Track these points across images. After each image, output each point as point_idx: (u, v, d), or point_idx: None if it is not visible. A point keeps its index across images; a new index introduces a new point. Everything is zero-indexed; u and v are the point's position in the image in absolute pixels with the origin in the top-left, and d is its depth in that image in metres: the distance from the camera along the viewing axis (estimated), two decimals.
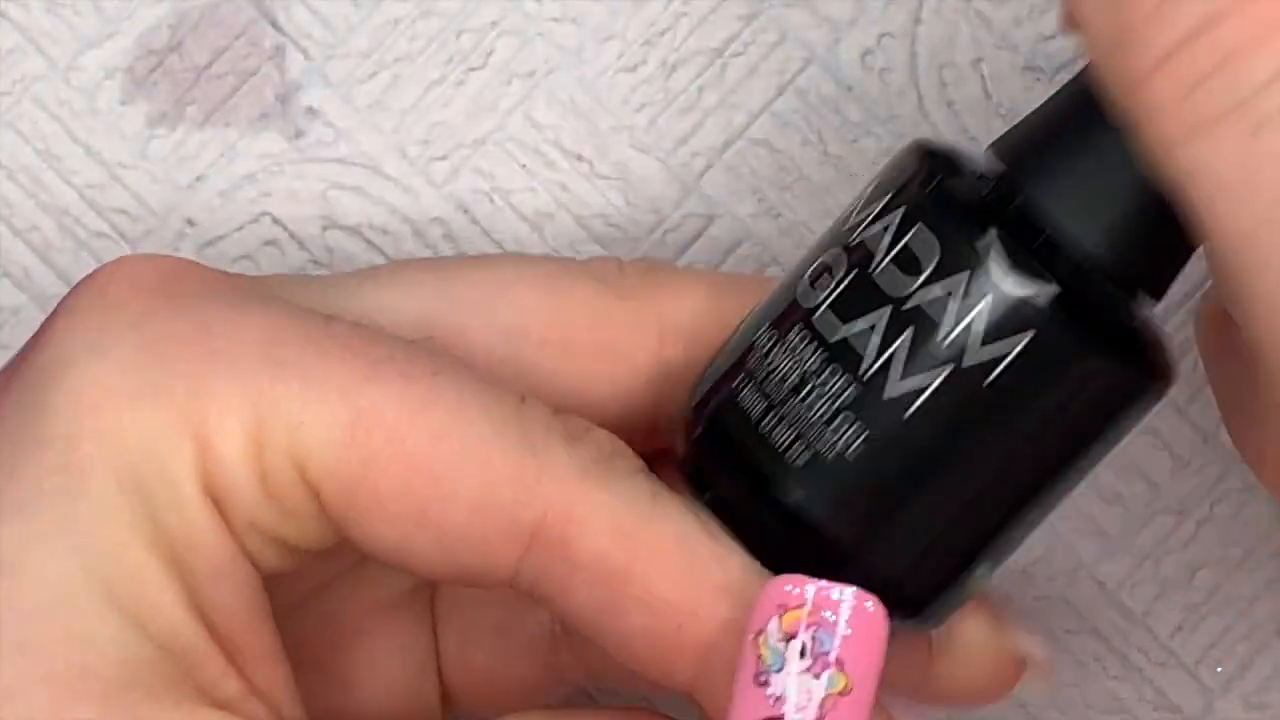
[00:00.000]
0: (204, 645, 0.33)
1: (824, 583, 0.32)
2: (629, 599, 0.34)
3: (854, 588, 0.32)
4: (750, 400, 0.35)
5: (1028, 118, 0.35)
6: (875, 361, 0.34)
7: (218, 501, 0.33)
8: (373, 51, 0.45)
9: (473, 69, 0.45)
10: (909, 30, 0.45)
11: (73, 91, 0.45)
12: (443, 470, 0.34)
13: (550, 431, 0.34)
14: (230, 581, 0.34)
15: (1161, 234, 0.33)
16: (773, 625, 0.32)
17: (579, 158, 0.44)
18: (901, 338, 0.33)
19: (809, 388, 0.34)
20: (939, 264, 0.33)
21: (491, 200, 0.44)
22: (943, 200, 0.34)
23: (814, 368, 0.34)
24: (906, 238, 0.33)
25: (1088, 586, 0.45)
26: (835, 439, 0.34)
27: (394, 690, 0.38)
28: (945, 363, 0.33)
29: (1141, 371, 0.34)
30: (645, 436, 0.38)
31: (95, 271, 0.35)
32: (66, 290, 0.37)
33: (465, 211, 0.44)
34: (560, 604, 0.34)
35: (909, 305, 0.33)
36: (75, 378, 0.33)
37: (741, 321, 0.37)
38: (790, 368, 0.34)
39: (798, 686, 0.32)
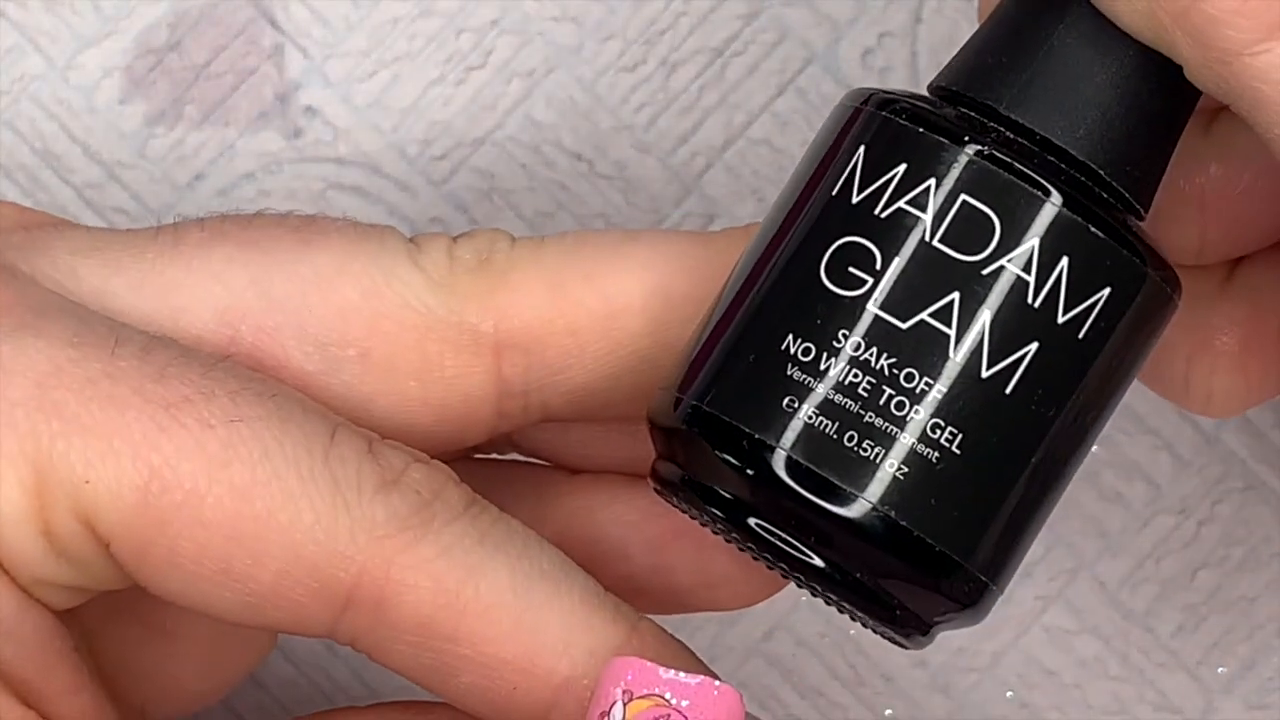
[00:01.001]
0: (5, 704, 0.31)
1: (680, 676, 0.31)
2: (458, 659, 0.32)
3: (704, 677, 0.31)
4: (814, 420, 0.33)
5: (978, 43, 0.34)
6: (961, 345, 0.32)
7: (6, 567, 0.31)
8: (372, 50, 0.45)
9: (472, 68, 0.45)
10: (909, 30, 0.46)
11: (71, 90, 0.45)
12: (247, 531, 0.31)
13: (363, 479, 0.32)
14: (18, 635, 0.32)
15: (1150, 138, 0.33)
16: (617, 712, 0.31)
17: (579, 158, 0.44)
18: (983, 311, 0.32)
19: (889, 393, 0.32)
20: (1005, 230, 0.32)
21: (491, 200, 0.44)
22: (980, 168, 0.32)
23: (890, 371, 0.33)
24: (956, 206, 0.32)
25: (1089, 586, 0.45)
26: (935, 440, 0.32)
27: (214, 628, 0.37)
28: (1035, 330, 0.32)
29: (1177, 285, 0.33)
30: (476, 452, 0.36)
31: None
32: None
33: (464, 211, 0.44)
34: (386, 662, 0.33)
35: (985, 274, 0.32)
36: None
37: (722, 323, 0.34)
38: (858, 375, 0.33)
39: None
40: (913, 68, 0.46)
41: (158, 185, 0.45)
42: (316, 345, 0.34)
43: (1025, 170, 0.32)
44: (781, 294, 0.33)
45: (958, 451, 0.32)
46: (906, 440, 0.32)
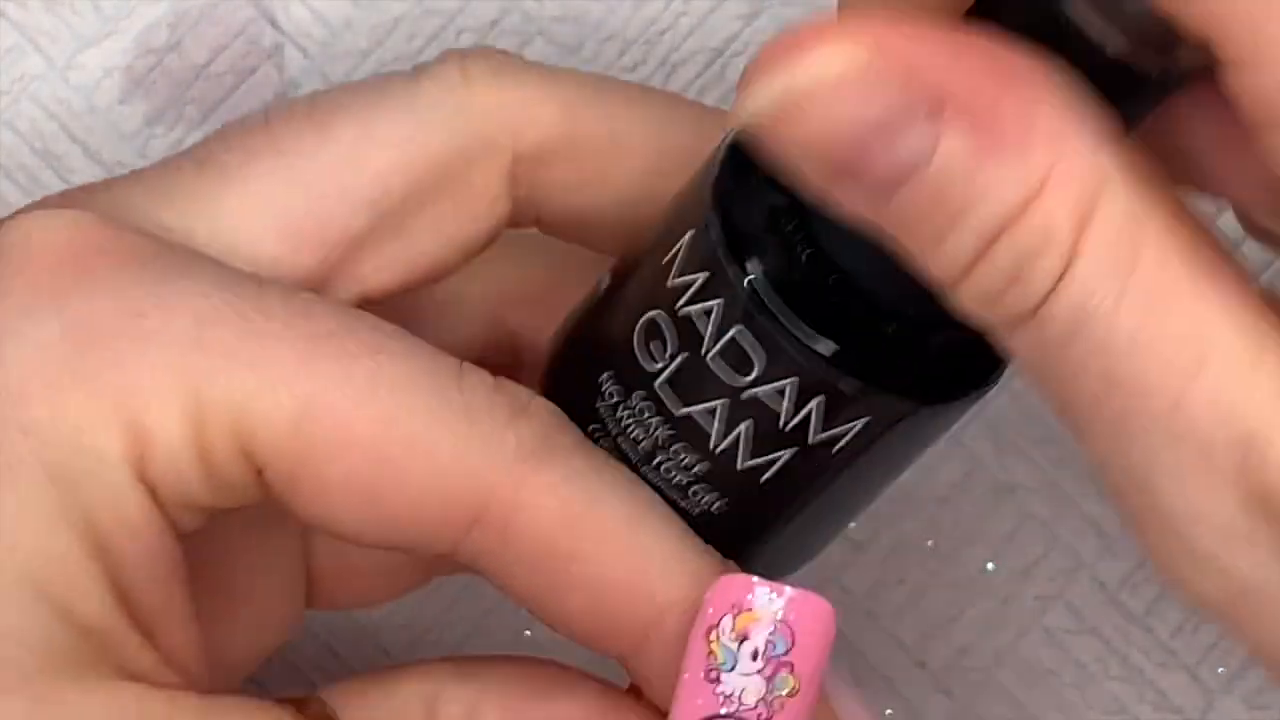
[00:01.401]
0: (124, 626, 0.33)
1: (782, 587, 0.33)
2: (574, 579, 0.34)
3: (815, 599, 0.33)
4: (609, 447, 0.35)
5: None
6: (722, 441, 0.35)
7: (152, 487, 0.33)
8: (372, 50, 0.45)
9: None
10: None
11: (71, 90, 0.45)
12: (390, 456, 0.33)
13: (494, 409, 0.34)
14: (155, 561, 0.34)
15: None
16: (726, 623, 0.33)
17: None
18: (745, 423, 0.34)
19: (661, 457, 0.35)
20: (767, 365, 0.33)
21: None
22: (757, 303, 0.33)
23: (663, 439, 0.35)
24: (730, 334, 0.34)
25: (1088, 586, 0.45)
26: (696, 501, 0.35)
27: (266, 592, 0.39)
28: (790, 444, 0.34)
29: (967, 393, 0.35)
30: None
31: (3, 236, 0.34)
32: None
33: None
34: (502, 580, 0.34)
35: (745, 396, 0.34)
36: (1, 366, 0.33)
37: (584, 314, 0.37)
38: (640, 433, 0.35)
39: (749, 687, 0.33)
40: None
41: None
42: (365, 208, 0.36)
43: (789, 317, 0.33)
44: (609, 332, 0.36)
45: (715, 512, 0.35)
46: (670, 495, 0.35)
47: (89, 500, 0.33)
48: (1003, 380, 0.41)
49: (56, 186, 0.44)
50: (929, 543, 0.45)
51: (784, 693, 0.33)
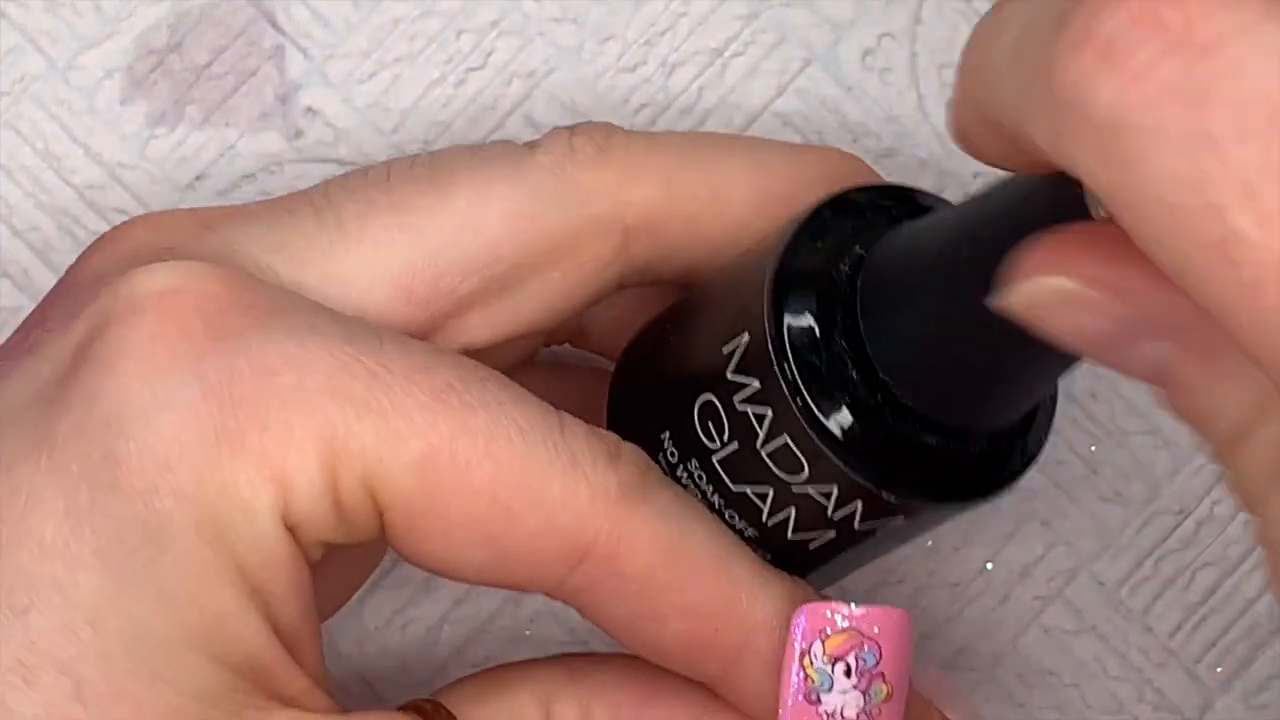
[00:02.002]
0: (281, 657, 0.35)
1: (861, 609, 0.35)
2: (672, 608, 0.36)
3: (893, 610, 0.35)
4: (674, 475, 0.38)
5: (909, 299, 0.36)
6: (773, 518, 0.37)
7: (293, 530, 0.35)
8: (372, 51, 0.45)
9: (472, 69, 0.45)
10: (909, 30, 0.46)
11: (72, 91, 0.45)
12: (505, 499, 0.35)
13: (593, 453, 0.36)
14: (297, 594, 0.35)
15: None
16: (817, 649, 0.35)
17: None
18: (792, 507, 0.36)
19: (719, 513, 0.37)
20: (811, 472, 0.35)
21: None
22: (807, 422, 0.35)
23: (718, 505, 0.37)
24: (780, 441, 0.36)
25: (1088, 586, 0.45)
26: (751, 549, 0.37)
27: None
28: (834, 528, 0.36)
29: (994, 493, 0.37)
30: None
31: (132, 294, 0.35)
32: None
33: None
34: (599, 611, 0.36)
35: (795, 490, 0.36)
36: (146, 433, 0.34)
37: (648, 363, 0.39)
38: (697, 494, 0.37)
39: (848, 702, 0.35)
40: (912, 69, 0.46)
41: (159, 186, 0.45)
42: (477, 272, 0.38)
43: (834, 442, 0.35)
44: (671, 396, 0.38)
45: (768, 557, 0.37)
46: None
47: (240, 550, 0.34)
48: None
49: (58, 187, 0.45)
50: (928, 543, 0.45)
51: (880, 700, 0.36)
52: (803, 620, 0.36)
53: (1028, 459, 0.37)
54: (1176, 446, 0.46)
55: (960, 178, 0.46)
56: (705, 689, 0.37)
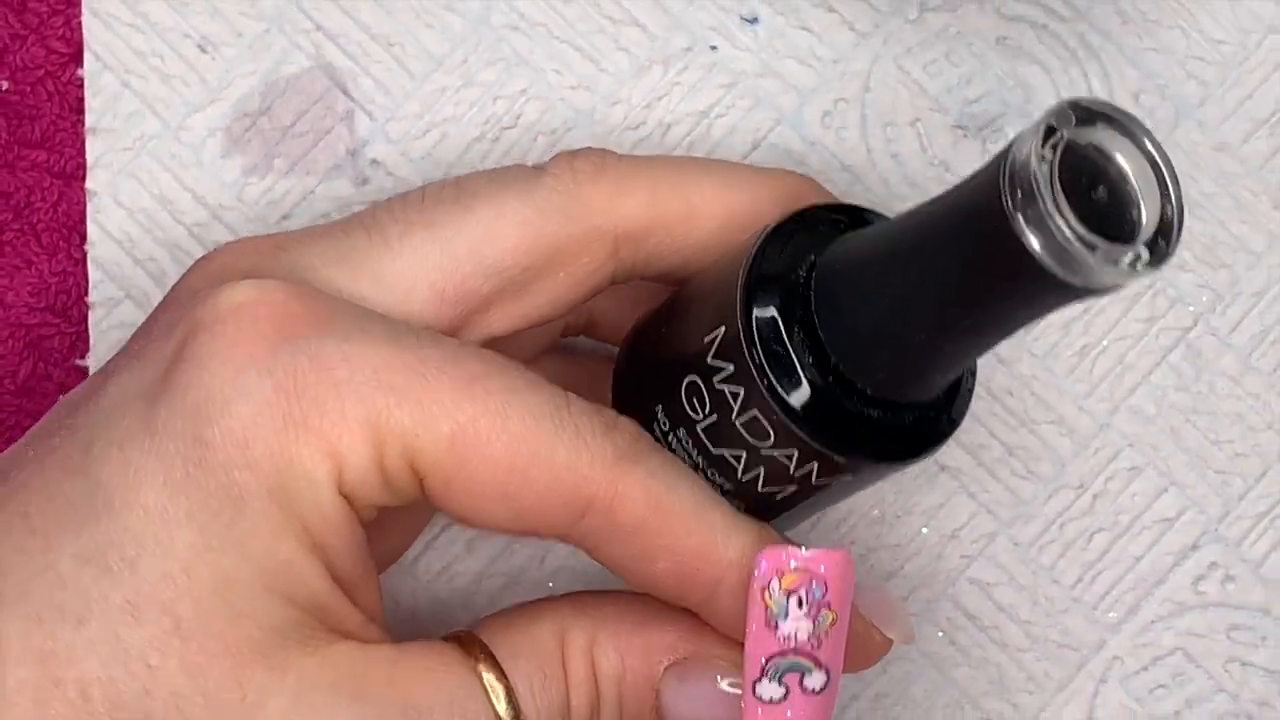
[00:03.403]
0: (338, 598, 0.37)
1: (811, 552, 0.37)
2: (661, 549, 0.37)
3: (836, 552, 0.37)
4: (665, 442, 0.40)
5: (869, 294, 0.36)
6: (745, 476, 0.39)
7: (348, 496, 0.37)
8: (424, 114, 0.47)
9: (506, 128, 0.47)
10: (860, 96, 0.47)
11: (182, 147, 0.47)
12: (522, 465, 0.37)
13: (594, 426, 0.37)
14: (353, 547, 0.37)
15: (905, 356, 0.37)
16: (774, 584, 0.37)
17: None
18: (761, 467, 0.38)
19: (702, 471, 0.39)
20: (776, 439, 0.37)
21: None
22: (772, 401, 0.37)
23: (701, 464, 0.39)
24: (750, 414, 0.37)
25: (1005, 546, 0.47)
26: (729, 499, 0.39)
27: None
28: (795, 483, 0.38)
29: (928, 451, 0.38)
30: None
31: (217, 306, 0.37)
32: None
33: None
34: (603, 553, 0.38)
35: (763, 453, 0.38)
36: (228, 419, 0.35)
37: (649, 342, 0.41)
38: (685, 456, 0.39)
39: (800, 628, 0.37)
40: (862, 127, 0.47)
41: (252, 224, 0.46)
42: (496, 275, 0.39)
43: (794, 416, 0.37)
44: (663, 377, 0.39)
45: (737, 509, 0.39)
46: None
47: (303, 512, 0.36)
48: None
49: (170, 225, 0.46)
50: (875, 512, 0.47)
51: (827, 625, 0.37)
52: (763, 561, 0.37)
53: (952, 425, 0.38)
54: (1077, 433, 0.47)
55: None
56: (692, 617, 0.39)
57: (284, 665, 0.36)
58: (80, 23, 0.47)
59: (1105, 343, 0.48)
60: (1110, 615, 0.47)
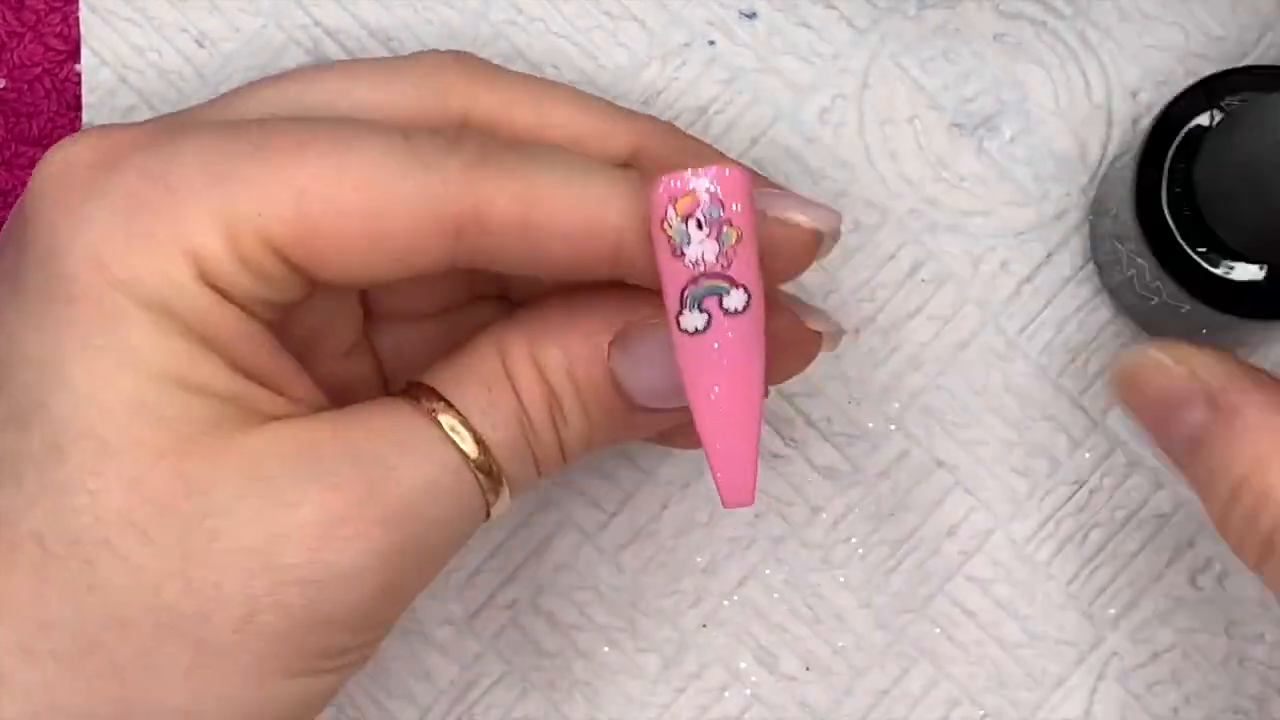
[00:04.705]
0: (252, 388, 0.37)
1: (698, 171, 0.37)
2: (548, 239, 0.37)
3: (715, 167, 0.37)
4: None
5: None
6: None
7: (219, 289, 0.37)
8: None
9: None
10: (858, 94, 0.47)
11: None
12: (375, 209, 0.37)
13: (436, 148, 0.37)
14: (249, 339, 0.37)
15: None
16: (670, 213, 0.37)
17: None
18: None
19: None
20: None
21: None
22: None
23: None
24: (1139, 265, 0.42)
25: (1002, 543, 0.47)
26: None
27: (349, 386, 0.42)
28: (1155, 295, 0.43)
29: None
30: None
31: (42, 165, 0.37)
32: None
33: None
34: (498, 263, 0.38)
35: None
36: (78, 249, 0.36)
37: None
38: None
39: (706, 250, 0.37)
40: (860, 124, 0.47)
41: None
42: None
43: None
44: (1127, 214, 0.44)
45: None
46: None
47: (182, 312, 0.37)
48: (935, 376, 0.46)
49: None
50: (872, 508, 0.47)
51: (732, 242, 0.37)
52: (655, 193, 0.37)
53: None
54: (1072, 430, 0.47)
55: (897, 213, 0.47)
56: (617, 291, 0.39)
57: (224, 450, 0.36)
58: (78, 19, 0.47)
59: (1099, 339, 0.48)
60: (1108, 611, 0.47)
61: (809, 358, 0.41)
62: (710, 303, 0.37)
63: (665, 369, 0.39)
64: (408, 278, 0.38)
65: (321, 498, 0.36)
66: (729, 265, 0.37)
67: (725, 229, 0.37)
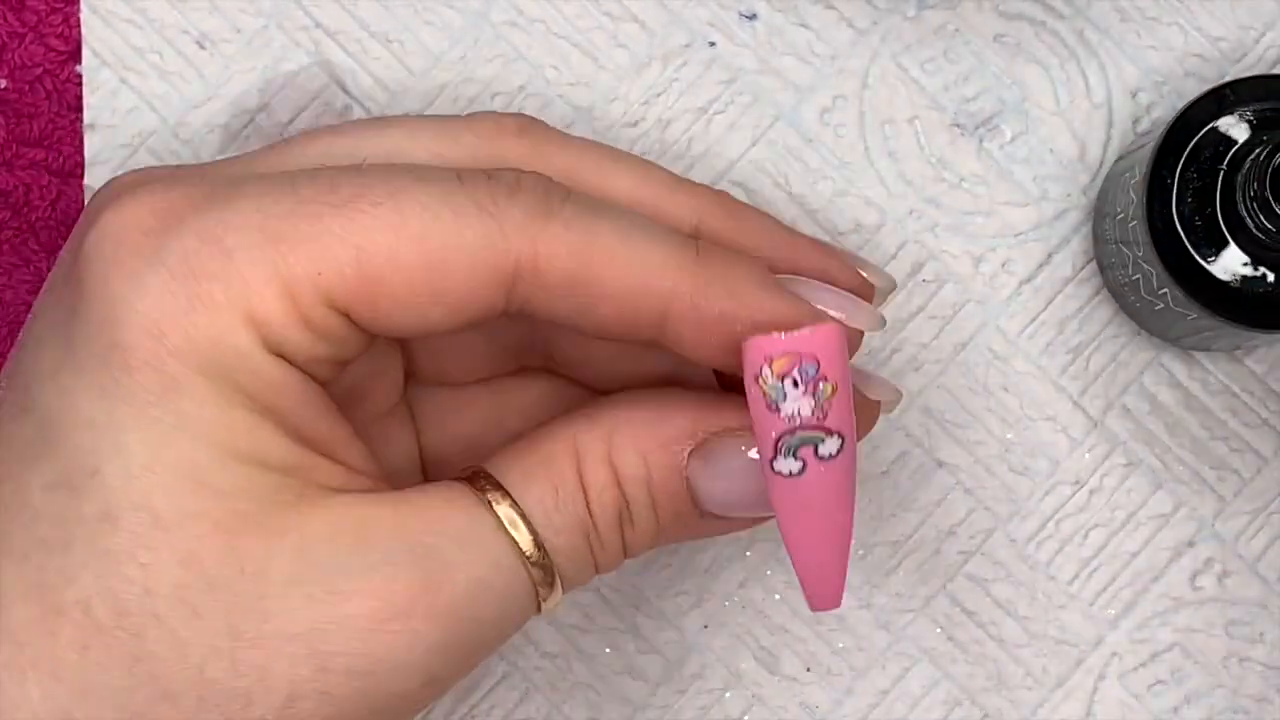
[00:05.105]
0: (311, 457, 0.37)
1: (792, 334, 0.37)
2: (598, 296, 0.37)
3: (820, 328, 0.37)
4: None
5: None
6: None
7: (282, 355, 0.36)
8: (423, 110, 0.47)
9: None
10: (858, 94, 0.48)
11: (180, 144, 0.47)
12: (436, 259, 0.36)
13: (495, 193, 0.37)
14: (308, 404, 0.37)
15: None
16: (765, 371, 0.37)
17: None
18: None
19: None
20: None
21: None
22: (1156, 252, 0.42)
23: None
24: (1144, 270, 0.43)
25: (1002, 543, 0.47)
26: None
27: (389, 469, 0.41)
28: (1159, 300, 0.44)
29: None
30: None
31: (95, 228, 0.37)
32: None
33: None
34: (551, 314, 0.38)
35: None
36: (135, 317, 0.35)
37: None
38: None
39: (801, 406, 0.37)
40: (860, 124, 0.47)
41: None
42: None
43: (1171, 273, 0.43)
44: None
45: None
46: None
47: (242, 379, 0.36)
48: (935, 376, 0.46)
49: None
50: (872, 508, 0.47)
51: (827, 396, 0.37)
52: (749, 352, 0.37)
53: None
54: (1072, 430, 0.47)
55: (897, 213, 0.48)
56: (701, 400, 0.39)
57: (280, 528, 0.36)
58: (79, 20, 0.47)
59: (1099, 340, 0.48)
60: (1108, 611, 0.48)
61: (870, 425, 0.41)
62: (805, 451, 0.37)
63: (744, 483, 0.39)
64: (461, 326, 0.38)
65: (374, 589, 0.36)
66: (824, 417, 0.37)
67: (821, 385, 0.37)
